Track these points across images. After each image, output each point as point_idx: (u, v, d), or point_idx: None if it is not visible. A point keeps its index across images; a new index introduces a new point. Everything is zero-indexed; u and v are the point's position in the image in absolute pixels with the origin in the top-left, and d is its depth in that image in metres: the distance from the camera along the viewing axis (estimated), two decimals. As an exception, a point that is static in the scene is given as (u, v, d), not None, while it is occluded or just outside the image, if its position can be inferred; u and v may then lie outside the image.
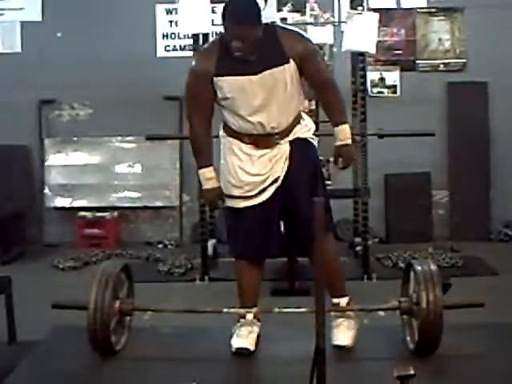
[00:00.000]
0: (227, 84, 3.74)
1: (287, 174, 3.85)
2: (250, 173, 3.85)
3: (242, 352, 3.84)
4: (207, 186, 3.91)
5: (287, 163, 3.85)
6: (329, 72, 3.97)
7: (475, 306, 3.90)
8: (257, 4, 3.71)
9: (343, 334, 3.92)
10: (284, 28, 3.93)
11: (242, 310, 3.97)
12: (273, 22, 4.03)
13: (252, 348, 3.88)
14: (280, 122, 3.81)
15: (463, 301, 3.90)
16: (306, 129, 3.95)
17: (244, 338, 3.90)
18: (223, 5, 3.72)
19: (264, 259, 4.05)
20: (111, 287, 3.76)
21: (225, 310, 3.90)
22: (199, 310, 4.08)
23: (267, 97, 3.76)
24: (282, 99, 3.79)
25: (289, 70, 3.76)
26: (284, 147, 3.85)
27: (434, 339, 3.68)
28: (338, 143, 3.90)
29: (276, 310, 3.90)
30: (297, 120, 3.90)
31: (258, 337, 3.95)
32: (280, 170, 3.84)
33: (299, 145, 3.88)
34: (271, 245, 3.98)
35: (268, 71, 3.72)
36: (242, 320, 3.98)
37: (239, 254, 4.01)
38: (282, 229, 4.04)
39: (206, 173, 3.89)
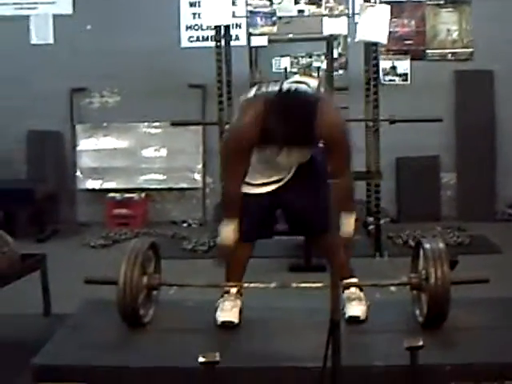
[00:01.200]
0: (259, 148, 3.59)
1: (293, 177, 3.80)
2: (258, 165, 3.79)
3: (227, 325, 3.83)
4: (224, 241, 3.83)
5: (294, 168, 3.79)
6: (349, 168, 3.66)
7: (481, 281, 3.88)
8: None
9: (356, 307, 3.92)
10: (327, 104, 3.53)
11: (261, 285, 3.97)
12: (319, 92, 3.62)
13: (236, 321, 3.86)
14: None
15: (469, 277, 3.89)
16: None
17: (228, 311, 3.88)
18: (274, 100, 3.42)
19: (252, 241, 4.01)
20: (140, 263, 3.77)
21: (245, 284, 3.92)
22: (221, 285, 4.09)
23: (289, 165, 3.73)
24: (302, 164, 3.75)
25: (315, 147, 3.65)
26: None
27: (441, 313, 3.68)
28: (342, 235, 3.75)
29: (294, 284, 3.91)
30: None
31: (241, 311, 3.93)
32: (285, 173, 3.79)
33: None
34: (262, 230, 3.98)
35: (298, 149, 3.54)
36: (225, 295, 3.96)
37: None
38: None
39: (229, 227, 3.81)
